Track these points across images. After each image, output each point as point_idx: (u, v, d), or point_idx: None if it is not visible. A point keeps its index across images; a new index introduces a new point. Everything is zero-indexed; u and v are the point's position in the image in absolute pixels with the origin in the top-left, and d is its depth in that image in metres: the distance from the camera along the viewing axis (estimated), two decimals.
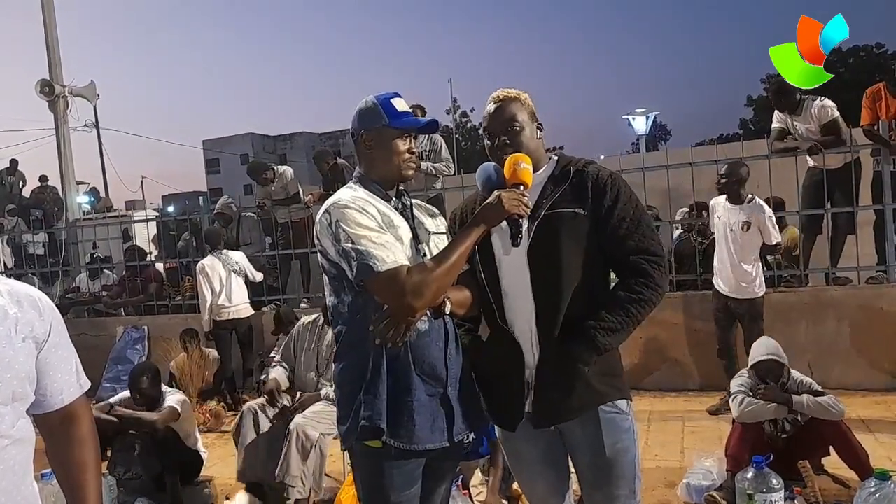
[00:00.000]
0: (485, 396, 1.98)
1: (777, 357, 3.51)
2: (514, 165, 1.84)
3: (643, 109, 18.70)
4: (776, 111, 5.67)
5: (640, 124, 18.66)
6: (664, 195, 6.09)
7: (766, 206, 4.71)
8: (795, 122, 5.46)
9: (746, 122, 38.18)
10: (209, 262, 6.26)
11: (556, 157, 2.00)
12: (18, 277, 8.70)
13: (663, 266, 1.87)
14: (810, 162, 5.53)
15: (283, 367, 4.04)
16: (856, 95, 5.71)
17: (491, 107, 1.96)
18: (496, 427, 2.06)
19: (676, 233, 6.66)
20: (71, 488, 1.50)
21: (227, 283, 6.23)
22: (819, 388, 3.47)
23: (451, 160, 6.68)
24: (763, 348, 3.60)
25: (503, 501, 3.44)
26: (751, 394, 3.43)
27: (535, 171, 1.92)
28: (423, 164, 6.25)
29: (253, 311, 6.44)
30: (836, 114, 5.34)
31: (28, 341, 1.38)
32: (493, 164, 1.96)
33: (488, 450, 3.30)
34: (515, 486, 3.46)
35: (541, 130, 2.00)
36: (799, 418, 3.41)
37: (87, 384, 1.56)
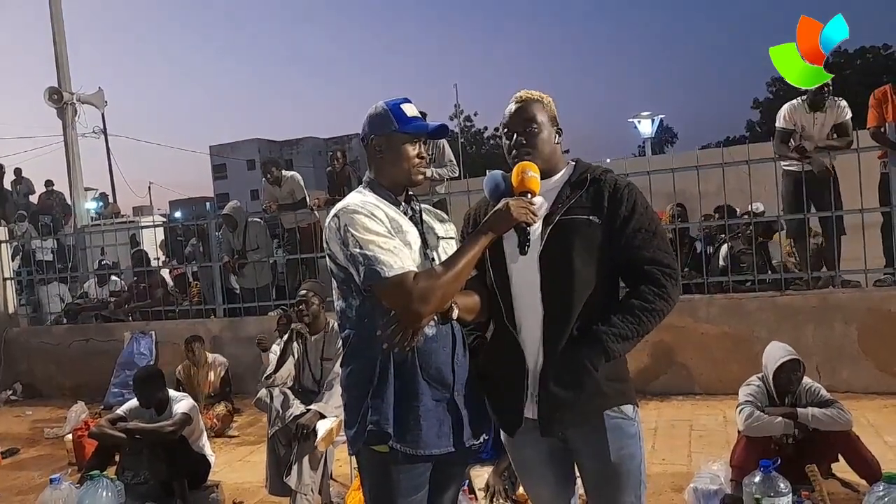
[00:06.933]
0: (487, 398, 1.98)
1: (796, 355, 3.41)
2: (521, 173, 1.84)
3: (649, 112, 18.68)
4: (785, 110, 5.61)
5: (646, 127, 18.63)
6: (670, 198, 6.09)
7: None
8: (815, 120, 5.42)
9: (753, 124, 38.14)
10: None
11: (573, 163, 1.99)
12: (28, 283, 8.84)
13: (676, 278, 1.87)
14: (784, 165, 5.56)
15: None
16: (862, 97, 5.70)
17: (512, 106, 1.96)
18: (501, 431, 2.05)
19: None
20: None
21: None
22: (828, 396, 3.39)
23: (455, 163, 6.63)
24: (781, 350, 3.47)
25: None
26: (759, 405, 3.35)
27: (551, 175, 1.93)
28: (428, 171, 6.22)
29: None
30: (850, 115, 5.38)
31: None
32: (501, 171, 1.96)
33: (494, 453, 3.29)
34: (521, 490, 3.46)
35: (559, 135, 1.99)
36: (808, 426, 3.34)
37: None
